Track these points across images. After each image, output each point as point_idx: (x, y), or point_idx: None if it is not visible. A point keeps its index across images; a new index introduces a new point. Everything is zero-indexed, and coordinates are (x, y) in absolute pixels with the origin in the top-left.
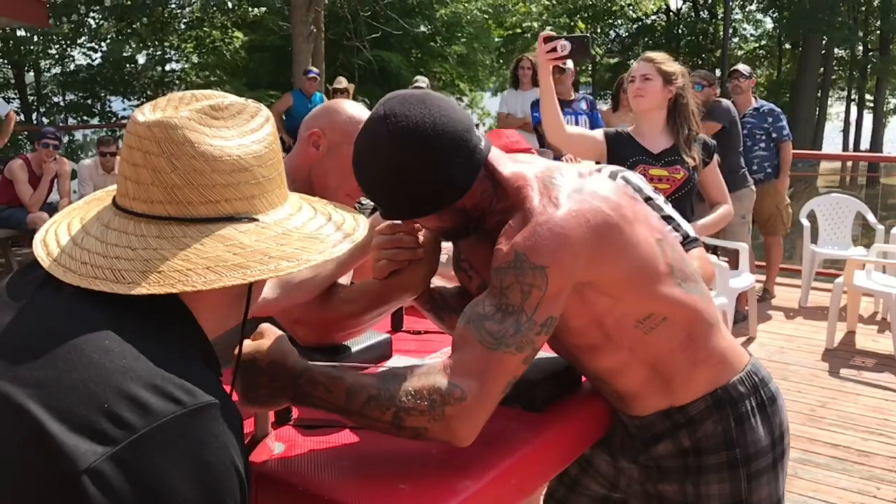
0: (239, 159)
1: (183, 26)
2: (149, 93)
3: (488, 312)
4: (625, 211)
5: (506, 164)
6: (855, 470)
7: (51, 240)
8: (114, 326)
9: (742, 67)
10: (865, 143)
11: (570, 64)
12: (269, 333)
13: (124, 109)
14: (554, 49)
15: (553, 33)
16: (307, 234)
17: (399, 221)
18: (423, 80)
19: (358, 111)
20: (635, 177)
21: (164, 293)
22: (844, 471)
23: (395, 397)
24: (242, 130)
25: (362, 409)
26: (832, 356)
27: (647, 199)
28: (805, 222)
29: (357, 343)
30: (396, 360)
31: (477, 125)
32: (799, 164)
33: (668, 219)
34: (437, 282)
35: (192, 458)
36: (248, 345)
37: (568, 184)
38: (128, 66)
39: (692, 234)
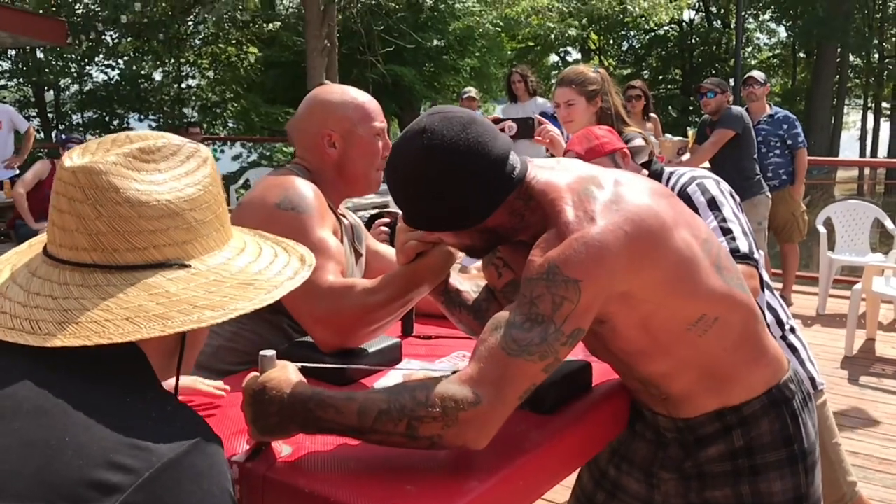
0: (168, 204)
1: (198, 42)
2: (165, 109)
3: (517, 321)
4: (664, 216)
5: (539, 176)
6: (876, 478)
7: None
8: (59, 384)
9: (757, 74)
10: (883, 150)
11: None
12: (278, 364)
13: (142, 127)
14: None
15: (500, 116)
16: (243, 280)
17: None
18: (472, 91)
19: (343, 91)
20: (712, 183)
21: (80, 345)
22: (865, 479)
23: (407, 407)
24: (176, 173)
25: (374, 424)
26: (851, 364)
27: (715, 207)
28: (822, 229)
29: (370, 345)
30: (406, 364)
31: None
32: (815, 172)
33: (726, 231)
34: (453, 280)
35: (198, 491)
36: (254, 376)
37: (604, 195)
38: (145, 83)
39: (745, 250)
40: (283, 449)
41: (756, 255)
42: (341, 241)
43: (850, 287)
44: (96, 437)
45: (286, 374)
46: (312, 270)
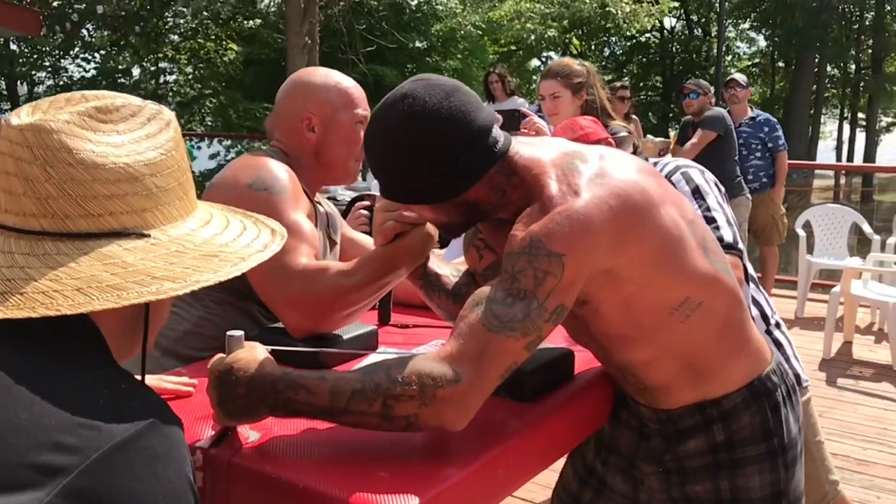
0: (126, 168)
1: (177, 38)
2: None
3: (498, 297)
4: (650, 192)
5: (522, 151)
6: (854, 479)
7: None
8: (1, 359)
9: (738, 77)
10: (858, 160)
11: None
12: (246, 345)
13: None
14: None
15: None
16: (207, 252)
17: None
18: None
19: (326, 74)
20: (696, 172)
21: (24, 318)
22: (844, 480)
23: (382, 385)
24: (135, 136)
25: (348, 405)
26: (829, 366)
27: (699, 196)
28: (801, 232)
29: (346, 332)
30: (383, 352)
31: None
32: (794, 176)
33: (710, 220)
34: (432, 264)
35: (151, 476)
36: (220, 357)
37: (589, 169)
38: (122, 78)
39: (729, 240)
40: (250, 434)
41: (741, 246)
42: (315, 228)
43: (828, 290)
44: (39, 416)
45: (254, 354)
46: (285, 253)
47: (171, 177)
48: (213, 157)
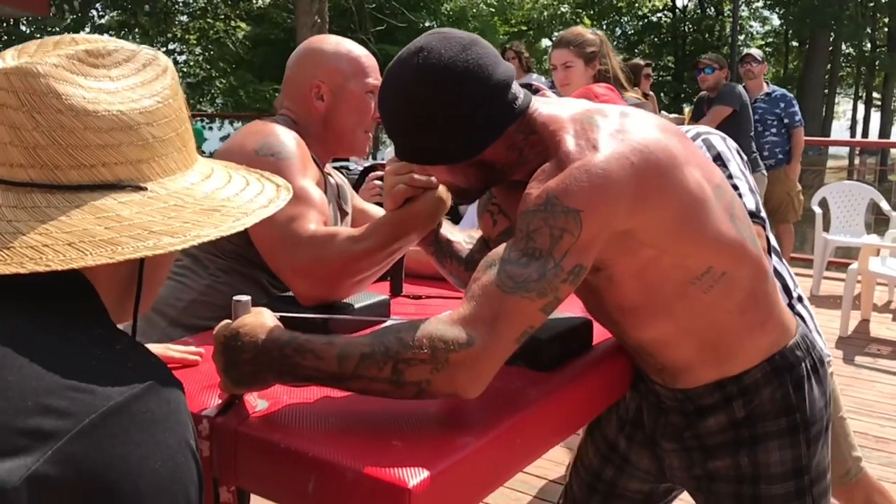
0: (120, 115)
1: (186, 18)
2: None
3: (512, 257)
4: (674, 152)
5: (542, 109)
6: (873, 456)
7: None
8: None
9: (755, 52)
10: (872, 139)
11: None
12: (253, 311)
13: None
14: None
15: None
16: (208, 207)
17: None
18: None
19: (338, 42)
20: (718, 139)
21: (11, 274)
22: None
23: (392, 349)
24: (130, 83)
25: (356, 369)
26: (846, 344)
27: (720, 163)
28: (817, 209)
29: (357, 301)
30: (394, 321)
31: None
32: (809, 153)
33: (732, 187)
34: (444, 231)
35: (150, 441)
36: (226, 323)
37: (610, 125)
38: None
39: (751, 207)
40: (258, 403)
41: (763, 214)
42: (325, 196)
43: (844, 269)
44: (29, 378)
45: (261, 318)
46: (293, 219)
47: (168, 126)
48: (223, 139)
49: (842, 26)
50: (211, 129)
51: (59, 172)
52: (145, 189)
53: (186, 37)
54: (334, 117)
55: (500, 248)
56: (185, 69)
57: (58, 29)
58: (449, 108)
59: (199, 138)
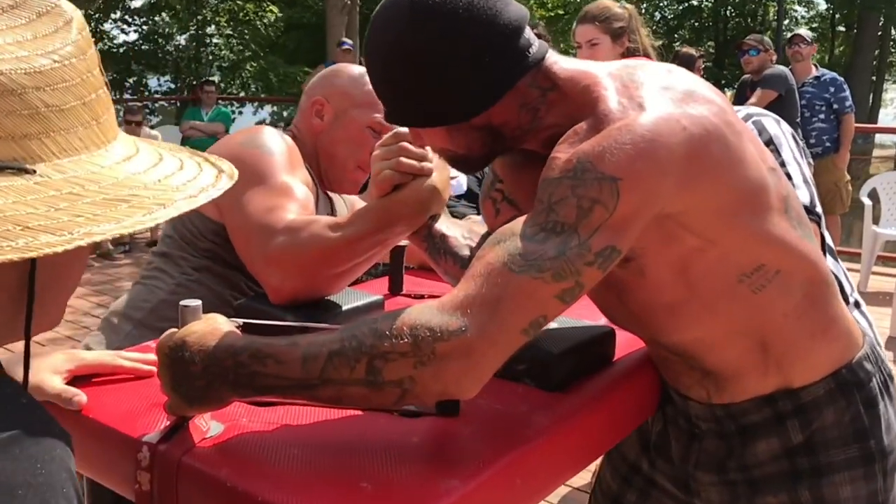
0: None
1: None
2: (183, 67)
3: (527, 233)
4: (731, 118)
5: (563, 63)
6: None
7: None
8: None
9: (804, 32)
10: None
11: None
12: (204, 317)
13: (159, 86)
14: None
15: None
16: (113, 196)
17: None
18: None
19: (362, 74)
20: (771, 121)
21: None
22: None
23: (366, 342)
24: (17, 37)
25: (324, 372)
26: None
27: (772, 147)
28: (866, 201)
29: (345, 302)
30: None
31: None
32: (859, 141)
33: (785, 176)
34: (440, 224)
35: None
36: (171, 331)
37: (657, 81)
38: (162, 42)
39: (805, 201)
40: (210, 426)
41: (819, 210)
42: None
43: (894, 264)
44: None
45: (213, 324)
46: (269, 211)
47: (69, 93)
48: (258, 124)
49: (892, 9)
50: (241, 112)
51: None
52: (33, 172)
53: (216, 18)
54: (328, 140)
55: (515, 223)
56: (214, 52)
57: (90, 12)
58: (448, 55)
59: (227, 122)
